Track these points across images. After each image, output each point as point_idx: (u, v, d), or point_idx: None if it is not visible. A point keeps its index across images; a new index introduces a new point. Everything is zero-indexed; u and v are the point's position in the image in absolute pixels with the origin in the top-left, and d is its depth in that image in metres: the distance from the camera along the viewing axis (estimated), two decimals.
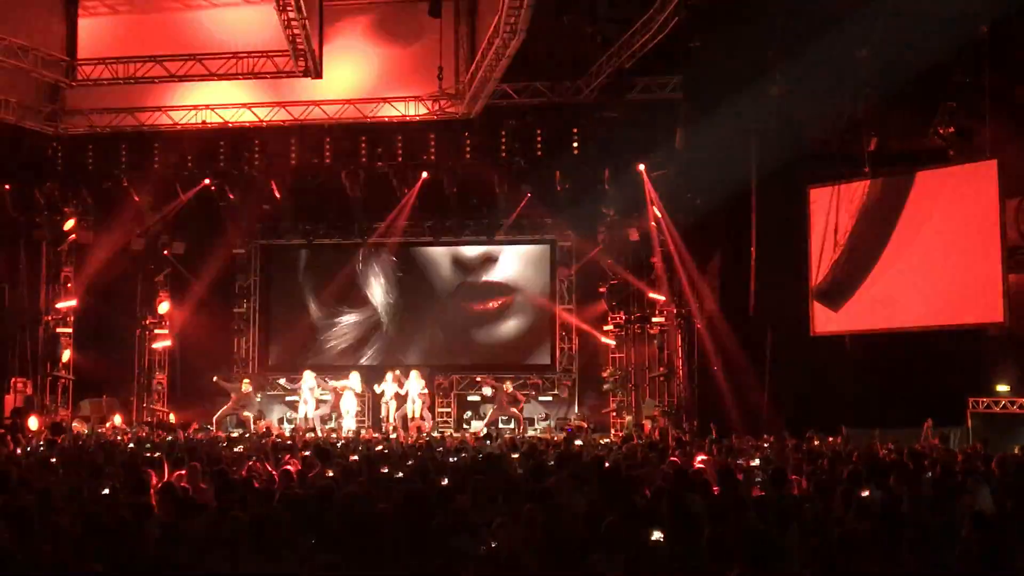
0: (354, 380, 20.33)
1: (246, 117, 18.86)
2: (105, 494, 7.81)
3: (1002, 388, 15.64)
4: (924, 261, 15.82)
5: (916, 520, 6.55)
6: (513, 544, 5.79)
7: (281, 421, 20.92)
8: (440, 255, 22.66)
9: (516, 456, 11.47)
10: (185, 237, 21.71)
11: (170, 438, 16.07)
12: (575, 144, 18.73)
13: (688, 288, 19.02)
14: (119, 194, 20.14)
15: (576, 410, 21.21)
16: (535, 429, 20.15)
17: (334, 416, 20.27)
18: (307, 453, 11.65)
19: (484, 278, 22.19)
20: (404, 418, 19.79)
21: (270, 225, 21.92)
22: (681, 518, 6.13)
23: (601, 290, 21.33)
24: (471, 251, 22.51)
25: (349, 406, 20.24)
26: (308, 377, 20.71)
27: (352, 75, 18.64)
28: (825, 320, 16.92)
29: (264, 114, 18.88)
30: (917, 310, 15.87)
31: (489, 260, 22.15)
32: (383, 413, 20.29)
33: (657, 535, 5.98)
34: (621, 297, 20.96)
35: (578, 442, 14.71)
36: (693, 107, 16.81)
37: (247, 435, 17.20)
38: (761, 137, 16.23)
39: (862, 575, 5.47)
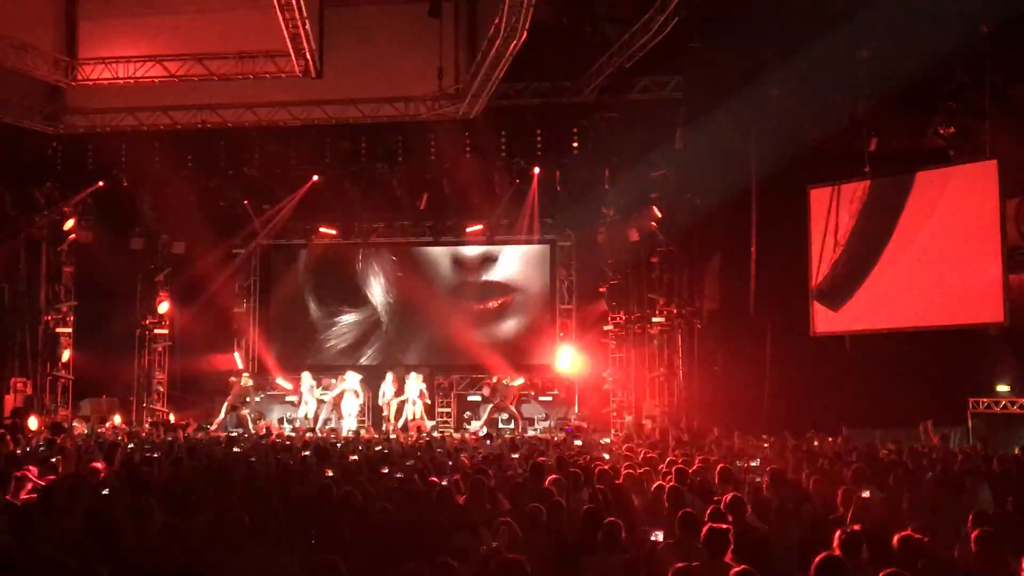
0: (351, 380, 20.33)
1: (246, 117, 18.85)
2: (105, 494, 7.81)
3: (1002, 388, 15.64)
4: (924, 261, 15.81)
5: (916, 520, 6.55)
6: (513, 544, 5.79)
7: (281, 421, 20.93)
8: (440, 255, 22.67)
9: (516, 456, 11.47)
10: (185, 237, 21.72)
11: (170, 438, 16.06)
12: (575, 144, 18.74)
13: (688, 288, 19.02)
14: (119, 194, 20.15)
15: (576, 410, 21.20)
16: (535, 429, 20.15)
17: (334, 417, 20.27)
18: (307, 453, 11.68)
19: (484, 278, 22.19)
20: (404, 418, 19.79)
21: (270, 225, 21.91)
22: (680, 519, 6.13)
23: (601, 290, 21.35)
24: (471, 251, 22.52)
25: (349, 407, 20.25)
26: (306, 377, 20.75)
27: (352, 75, 18.62)
28: (825, 320, 16.91)
29: (264, 114, 18.86)
30: (917, 310, 15.86)
31: (489, 260, 22.15)
32: (384, 413, 20.29)
33: (657, 535, 5.99)
34: (621, 297, 20.97)
35: (578, 442, 14.72)
36: (693, 107, 16.81)
37: (246, 435, 17.21)
38: (761, 137, 16.24)
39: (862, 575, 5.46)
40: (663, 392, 19.54)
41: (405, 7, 18.50)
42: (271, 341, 23.10)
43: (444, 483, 8.09)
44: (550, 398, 21.71)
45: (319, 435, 17.60)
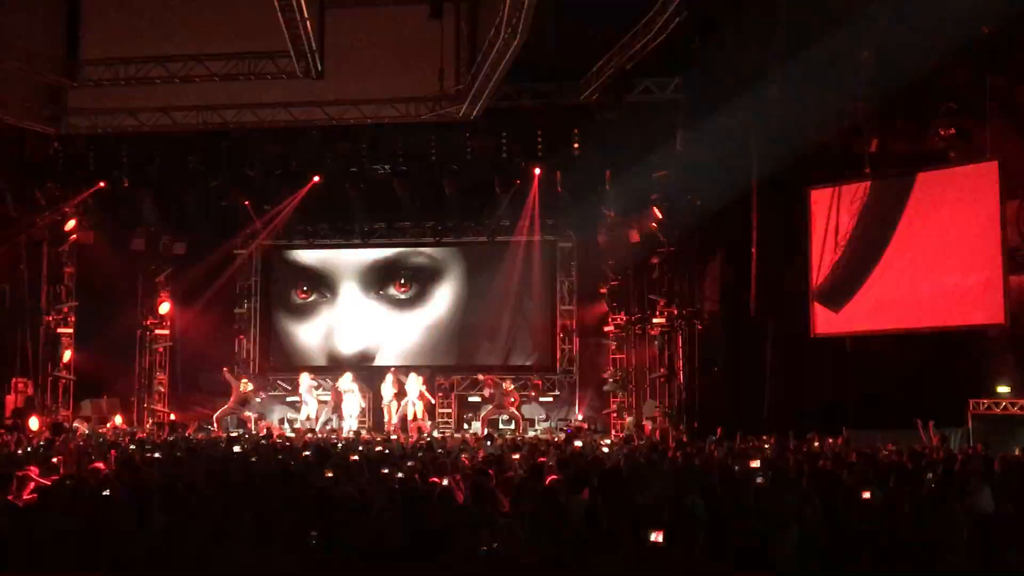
0: (346, 380, 20.34)
1: (247, 118, 18.86)
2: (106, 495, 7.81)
3: (1003, 389, 15.63)
4: (925, 262, 15.81)
5: (917, 521, 6.56)
6: (514, 544, 5.79)
7: (282, 422, 20.94)
8: (441, 256, 22.67)
9: (516, 456, 11.46)
10: (186, 237, 21.74)
11: (170, 438, 16.07)
12: (576, 145, 18.74)
13: (689, 289, 19.02)
14: (120, 194, 20.17)
15: (577, 410, 21.21)
16: (535, 430, 20.16)
17: (335, 417, 20.28)
18: (307, 453, 11.69)
19: (484, 279, 22.17)
20: (404, 419, 19.80)
21: (271, 226, 21.92)
22: (681, 519, 6.13)
23: (602, 291, 21.37)
24: (471, 252, 22.51)
25: (350, 407, 20.26)
26: (306, 378, 20.77)
27: (353, 76, 18.62)
28: (826, 321, 16.91)
29: (265, 115, 18.87)
30: (918, 311, 15.86)
31: (489, 261, 22.13)
32: (385, 416, 20.29)
33: (657, 536, 5.98)
34: (622, 298, 20.97)
35: (578, 443, 14.71)
36: (694, 108, 16.81)
37: (247, 435, 17.22)
38: (761, 138, 16.23)
39: None
40: (664, 393, 19.54)
41: (406, 8, 18.51)
42: (272, 341, 23.12)
43: (445, 483, 8.09)
44: (551, 399, 21.72)
45: (319, 436, 17.61)
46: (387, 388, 20.23)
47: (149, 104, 18.90)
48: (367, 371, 21.53)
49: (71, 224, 20.32)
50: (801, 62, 14.69)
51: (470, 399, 21.75)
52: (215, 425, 19.82)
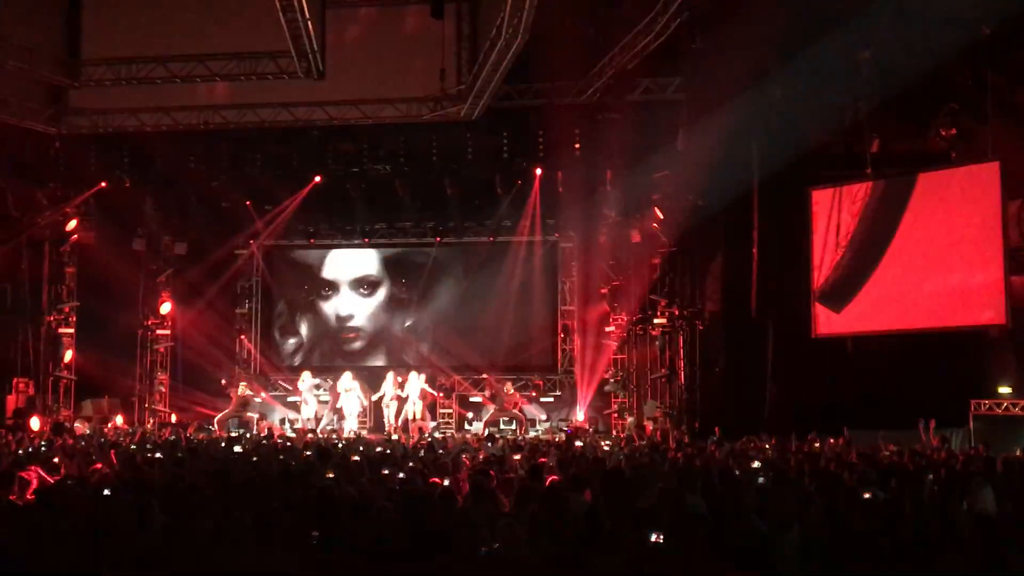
0: (346, 380, 20.35)
1: (248, 118, 18.87)
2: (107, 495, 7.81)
3: (1004, 390, 15.63)
4: (926, 263, 15.80)
5: (918, 522, 6.55)
6: (515, 544, 5.78)
7: (283, 422, 20.93)
8: (442, 256, 22.66)
9: (518, 457, 11.46)
10: (187, 237, 21.75)
11: (172, 438, 16.07)
12: (577, 145, 18.74)
13: (690, 289, 19.01)
14: (121, 195, 20.18)
15: (579, 410, 21.20)
16: (536, 430, 20.16)
17: (335, 417, 20.28)
18: (308, 453, 11.68)
19: (485, 279, 22.16)
20: (404, 419, 19.80)
21: (272, 226, 21.93)
22: (682, 519, 6.12)
23: (603, 291, 21.35)
24: (472, 252, 22.51)
25: (350, 407, 20.26)
26: (307, 378, 20.76)
27: (354, 76, 18.64)
28: (827, 321, 16.90)
29: (266, 115, 18.88)
30: (919, 312, 15.85)
31: (490, 261, 22.13)
32: (386, 416, 20.28)
33: (657, 536, 5.98)
34: (623, 298, 20.96)
35: (579, 443, 14.71)
36: (695, 108, 16.80)
37: (248, 435, 17.22)
38: (763, 138, 16.23)
39: None
40: (665, 393, 19.54)
41: (407, 8, 18.55)
42: (272, 341, 23.13)
43: (446, 484, 8.09)
44: (552, 399, 21.72)
45: (320, 436, 17.60)
46: (387, 388, 20.22)
47: (150, 104, 18.94)
48: (367, 371, 21.52)
49: (72, 224, 20.33)
50: (802, 62, 14.69)
51: (471, 399, 21.75)
52: (216, 427, 19.82)
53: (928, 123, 15.63)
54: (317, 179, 20.07)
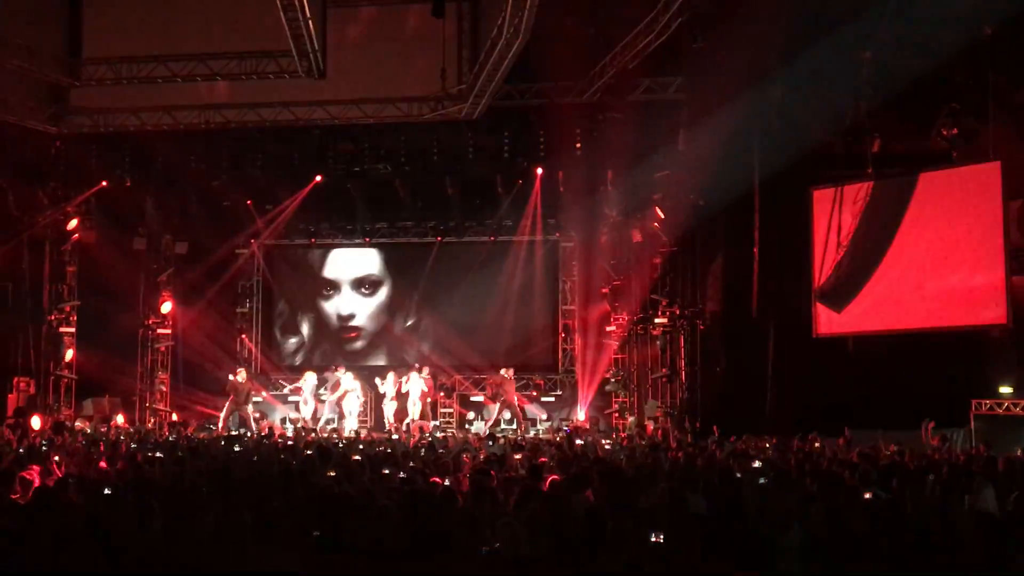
0: (346, 379, 20.35)
1: (249, 117, 18.86)
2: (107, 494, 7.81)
3: (1005, 390, 15.62)
4: (927, 262, 15.80)
5: (920, 522, 6.54)
6: (516, 543, 5.78)
7: (283, 421, 20.94)
8: (443, 256, 22.66)
9: (519, 457, 11.46)
10: (188, 237, 21.76)
11: (172, 438, 16.08)
12: (578, 145, 18.73)
13: (691, 289, 19.01)
14: (122, 194, 20.18)
15: (580, 410, 21.20)
16: (536, 430, 20.16)
17: (335, 416, 20.28)
18: (309, 452, 11.67)
19: (486, 279, 22.16)
20: (405, 418, 19.80)
21: (273, 225, 21.94)
22: (682, 519, 6.12)
23: (604, 291, 21.35)
24: (473, 252, 22.50)
25: (351, 406, 20.26)
26: (310, 378, 20.77)
27: (355, 76, 18.64)
28: (828, 321, 16.90)
29: (267, 114, 18.88)
30: (920, 311, 15.85)
31: (491, 261, 22.13)
32: (386, 416, 20.28)
33: (657, 536, 5.97)
34: (623, 298, 20.96)
35: (579, 441, 14.70)
36: (696, 108, 16.81)
37: (248, 434, 17.21)
38: (764, 138, 16.22)
39: None
40: (665, 393, 19.54)
41: (408, 7, 18.53)
42: (273, 341, 23.14)
43: (446, 483, 8.08)
44: (552, 399, 21.72)
45: (321, 435, 17.60)
46: (388, 387, 20.22)
47: (151, 103, 18.94)
48: (368, 370, 21.53)
49: (73, 223, 20.34)
50: (803, 62, 14.68)
51: (472, 399, 21.74)
52: (220, 425, 19.80)
53: (929, 123, 15.60)
54: (318, 178, 20.08)
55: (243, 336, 22.88)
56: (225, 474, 8.58)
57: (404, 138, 19.45)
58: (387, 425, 19.94)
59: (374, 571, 5.57)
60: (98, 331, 20.57)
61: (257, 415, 20.58)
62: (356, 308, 22.86)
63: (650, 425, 18.71)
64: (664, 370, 19.55)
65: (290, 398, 21.80)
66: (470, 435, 17.39)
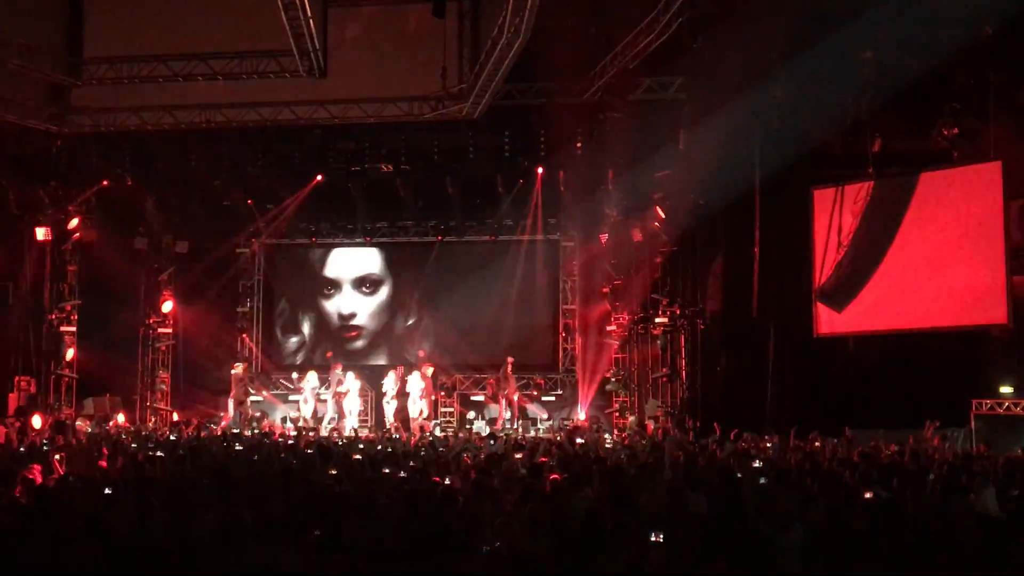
0: (348, 378, 20.35)
1: (250, 117, 18.86)
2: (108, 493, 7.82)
3: (1006, 390, 15.62)
4: (928, 262, 15.79)
5: (920, 522, 6.55)
6: (516, 543, 5.79)
7: (284, 420, 20.94)
8: (443, 255, 22.66)
9: (519, 456, 11.46)
10: (189, 236, 21.77)
11: (173, 437, 16.08)
12: (579, 144, 18.73)
13: (691, 289, 19.00)
14: (123, 193, 20.19)
15: (580, 409, 21.20)
16: (536, 429, 20.15)
17: (336, 416, 20.28)
18: (310, 451, 11.69)
19: (487, 278, 22.16)
20: (406, 418, 19.80)
21: (274, 224, 21.94)
22: (682, 519, 6.13)
23: (604, 290, 21.34)
24: (474, 251, 22.50)
25: (351, 405, 20.27)
26: (312, 377, 20.78)
27: (356, 75, 18.63)
28: (828, 321, 16.90)
29: (268, 114, 18.88)
30: (921, 311, 15.85)
31: (492, 260, 22.13)
32: (387, 415, 20.28)
33: (658, 535, 5.98)
34: (624, 297, 20.96)
35: (580, 440, 14.70)
36: (697, 107, 16.79)
37: (248, 434, 17.20)
38: (765, 137, 16.22)
39: None
40: (666, 393, 19.54)
41: (409, 7, 18.51)
42: (274, 340, 23.15)
43: (447, 482, 8.09)
44: (553, 398, 21.72)
45: (322, 434, 17.60)
46: (389, 386, 20.22)
47: (152, 103, 18.92)
48: (368, 369, 21.53)
49: (74, 223, 20.33)
50: (804, 61, 14.68)
51: (472, 398, 21.75)
52: (223, 422, 19.80)
53: (930, 123, 15.61)
54: (319, 178, 20.08)
55: (244, 335, 22.88)
56: (225, 473, 8.59)
57: (405, 137, 19.44)
58: (387, 424, 19.94)
59: (374, 571, 5.58)
60: (99, 330, 20.57)
61: (258, 414, 20.57)
62: (357, 307, 22.87)
63: (650, 424, 18.71)
64: (664, 370, 19.55)
65: (290, 397, 21.81)
66: (472, 434, 17.40)
